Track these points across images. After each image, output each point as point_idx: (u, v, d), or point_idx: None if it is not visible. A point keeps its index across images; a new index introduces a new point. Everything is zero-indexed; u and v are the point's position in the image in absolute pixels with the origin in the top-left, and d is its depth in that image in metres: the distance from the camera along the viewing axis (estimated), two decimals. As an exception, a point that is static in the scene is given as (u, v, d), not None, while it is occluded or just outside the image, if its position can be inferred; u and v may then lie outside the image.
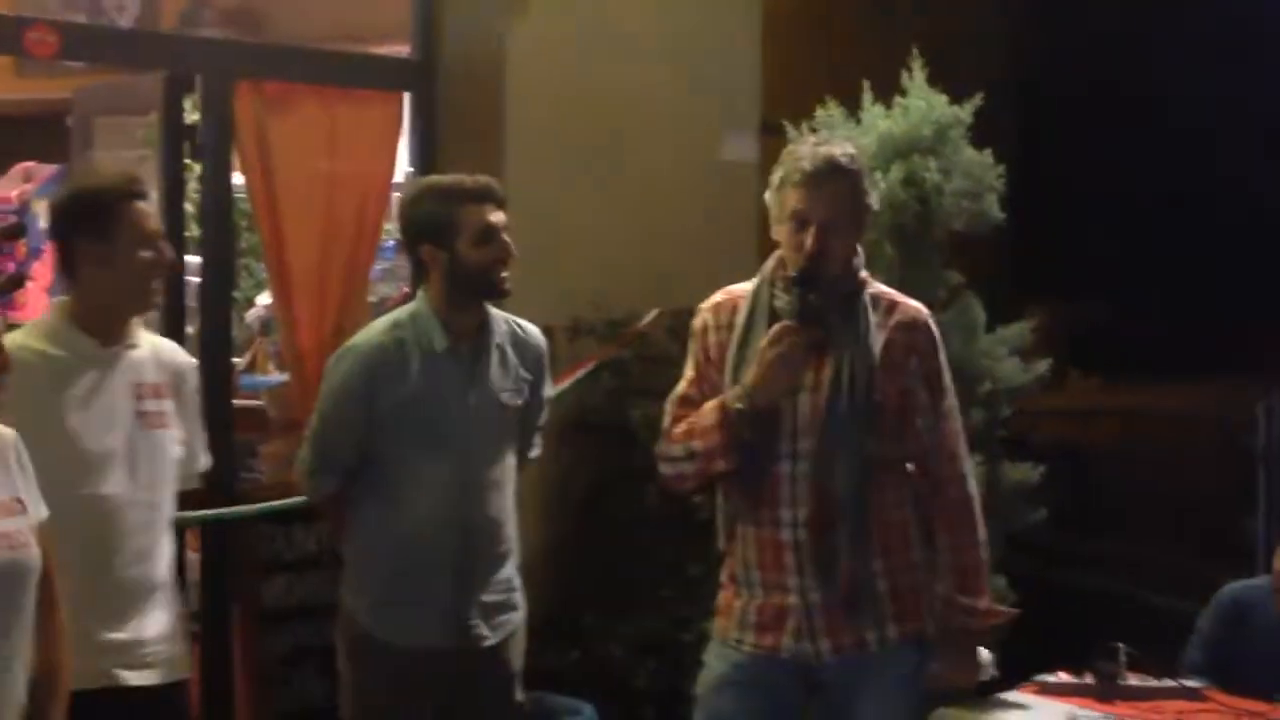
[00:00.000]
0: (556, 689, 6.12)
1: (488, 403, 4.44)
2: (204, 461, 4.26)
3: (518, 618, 4.60)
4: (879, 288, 4.11)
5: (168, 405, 4.04)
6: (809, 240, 3.90)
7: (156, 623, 4.01)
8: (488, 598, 4.47)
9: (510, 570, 4.56)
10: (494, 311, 4.52)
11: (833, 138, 4.15)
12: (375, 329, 4.48)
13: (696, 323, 4.15)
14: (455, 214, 4.34)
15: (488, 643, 4.47)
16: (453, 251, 4.34)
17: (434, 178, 4.61)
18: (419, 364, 4.36)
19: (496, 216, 4.38)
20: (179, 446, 4.09)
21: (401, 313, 4.50)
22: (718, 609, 4.15)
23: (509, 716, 4.68)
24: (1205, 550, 8.22)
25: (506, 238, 4.39)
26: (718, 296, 4.15)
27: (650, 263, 6.67)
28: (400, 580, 4.40)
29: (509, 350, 4.51)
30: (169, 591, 4.08)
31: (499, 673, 4.56)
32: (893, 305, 4.08)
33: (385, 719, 4.48)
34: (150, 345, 4.07)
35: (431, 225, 4.37)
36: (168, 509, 4.08)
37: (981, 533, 4.12)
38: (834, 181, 3.93)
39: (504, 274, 4.39)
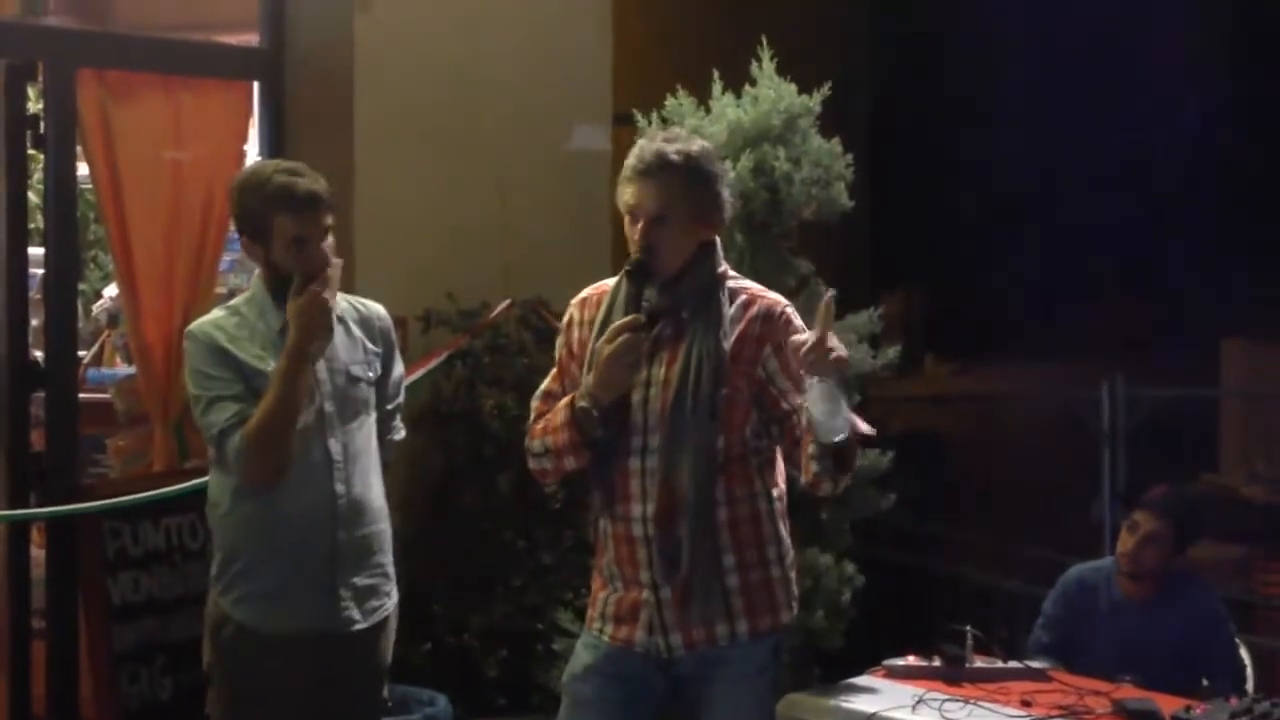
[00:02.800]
0: (409, 680, 6.08)
1: (337, 374, 4.40)
2: None
3: (390, 605, 4.57)
4: (742, 283, 4.10)
5: None
6: (635, 233, 3.94)
7: None
8: (359, 580, 4.44)
9: (385, 557, 4.54)
10: None
11: (683, 134, 4.11)
12: (213, 314, 4.45)
13: (565, 317, 4.17)
14: (271, 218, 4.29)
15: (358, 626, 4.44)
16: (266, 249, 4.34)
17: (264, 169, 4.45)
18: (260, 342, 4.33)
19: (318, 226, 4.31)
20: None
21: (238, 299, 4.48)
22: (590, 598, 4.19)
23: (373, 710, 4.65)
24: (1052, 532, 8.32)
25: (325, 247, 4.33)
26: (587, 291, 4.15)
27: (502, 253, 6.67)
28: (273, 567, 4.35)
29: (352, 324, 4.49)
30: None
31: (368, 662, 4.53)
32: (751, 299, 4.05)
33: (259, 712, 4.41)
34: None
35: (249, 222, 4.35)
36: None
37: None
38: (662, 175, 3.93)
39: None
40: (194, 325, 4.41)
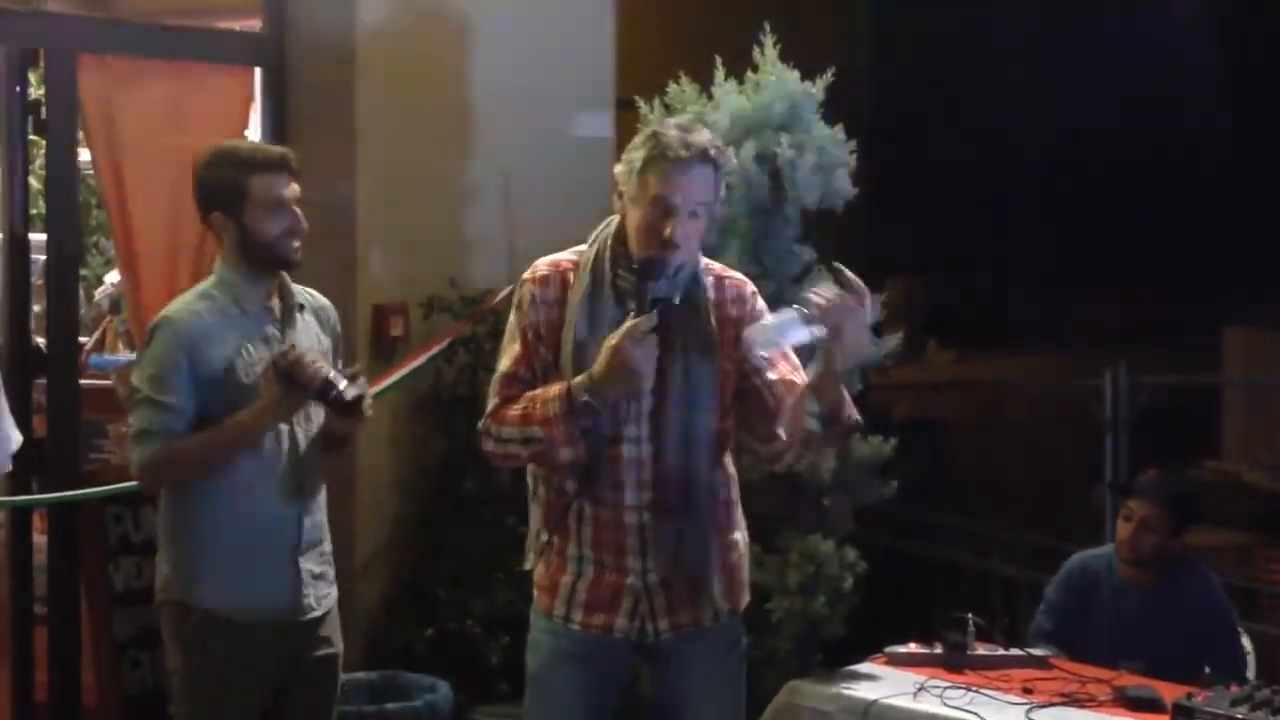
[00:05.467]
0: (411, 666, 6.11)
1: None
2: (12, 442, 4.09)
3: (335, 594, 4.54)
4: (704, 261, 4.03)
5: None
6: (670, 228, 3.80)
7: None
8: (313, 566, 4.42)
9: (328, 545, 4.50)
10: (288, 280, 4.44)
11: (695, 123, 4.01)
12: (187, 299, 4.35)
13: (522, 294, 3.99)
14: (246, 182, 4.25)
15: (314, 613, 4.42)
16: (241, 221, 4.27)
17: (226, 144, 4.44)
18: (234, 329, 4.27)
19: (290, 189, 4.30)
20: None
21: (206, 284, 4.37)
22: (538, 584, 4.10)
23: (333, 697, 4.59)
24: (1054, 519, 8.31)
25: (298, 210, 4.31)
26: (543, 269, 4.00)
27: (503, 239, 6.63)
28: (241, 552, 4.29)
29: (309, 314, 4.45)
30: None
31: (326, 649, 4.49)
32: (720, 280, 4.03)
33: (227, 701, 4.36)
34: None
35: (222, 192, 4.27)
36: None
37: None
38: (705, 169, 3.83)
39: (295, 244, 4.31)
40: (171, 310, 4.31)
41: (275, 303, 4.37)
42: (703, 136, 3.88)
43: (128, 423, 4.29)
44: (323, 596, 4.46)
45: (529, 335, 3.95)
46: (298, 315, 4.40)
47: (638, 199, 3.86)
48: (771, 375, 3.93)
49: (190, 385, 4.22)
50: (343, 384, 4.14)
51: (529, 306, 3.96)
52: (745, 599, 4.16)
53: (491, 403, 3.95)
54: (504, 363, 3.98)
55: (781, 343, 3.79)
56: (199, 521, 4.33)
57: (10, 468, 4.21)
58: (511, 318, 4.02)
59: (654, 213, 3.82)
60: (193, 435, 4.21)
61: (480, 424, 3.96)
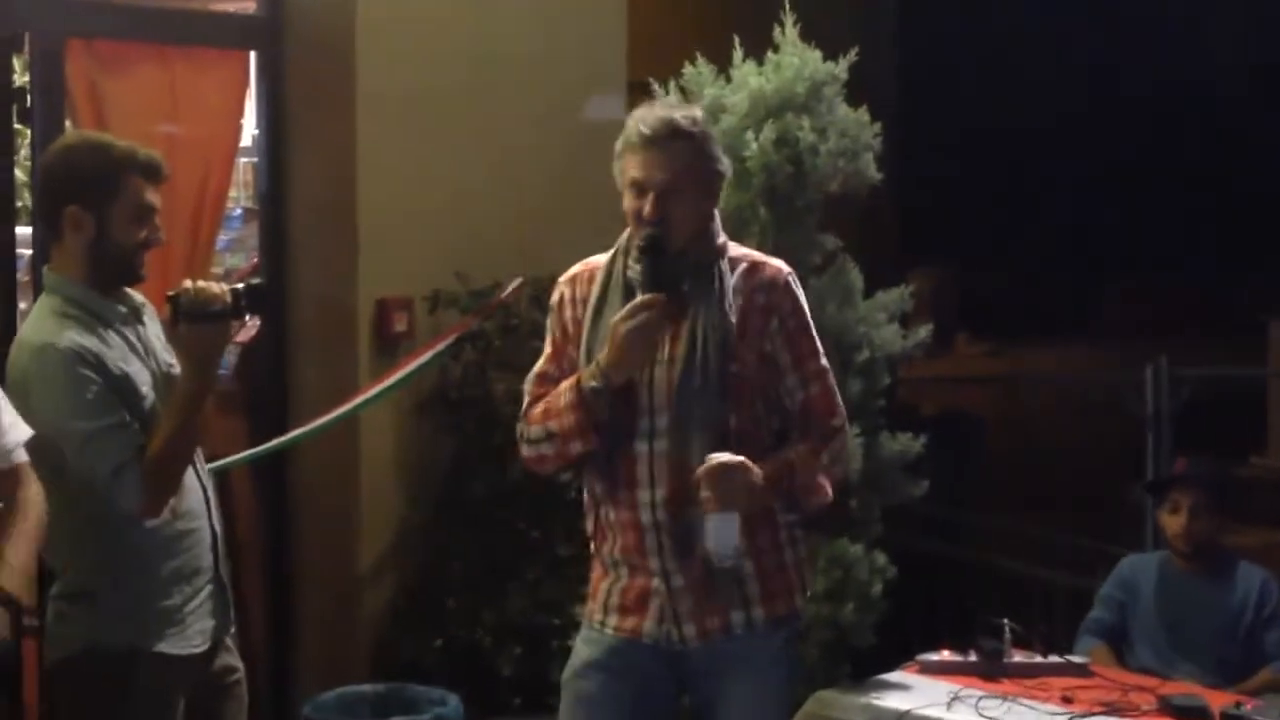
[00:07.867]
0: (419, 678, 6.04)
1: (161, 369, 4.06)
2: (16, 435, 3.85)
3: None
4: (741, 251, 4.05)
5: None
6: (647, 207, 3.84)
7: None
8: (223, 573, 4.18)
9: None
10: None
11: (677, 101, 4.03)
12: (50, 322, 3.93)
13: (555, 296, 4.10)
14: (118, 179, 3.93)
15: (229, 636, 4.21)
16: (103, 220, 3.93)
17: (99, 135, 4.17)
18: (112, 343, 3.95)
19: (156, 198, 4.02)
20: None
21: (54, 303, 3.97)
22: (590, 590, 4.12)
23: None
24: (1091, 518, 8.18)
25: (159, 223, 4.04)
26: (576, 268, 4.09)
27: (512, 230, 6.55)
28: (179, 583, 4.01)
29: (145, 311, 4.13)
30: None
31: (238, 678, 4.27)
32: (753, 267, 4.00)
33: None
34: None
35: (89, 184, 3.93)
36: None
37: (831, 459, 4.00)
38: (672, 145, 3.86)
39: (146, 258, 4.03)
40: (53, 339, 3.87)
41: (122, 309, 4.04)
42: (673, 112, 3.94)
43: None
44: (231, 618, 4.24)
45: (557, 335, 4.06)
46: (147, 322, 4.11)
47: (621, 186, 3.96)
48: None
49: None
50: (240, 285, 3.95)
51: (559, 306, 4.08)
52: (792, 606, 4.04)
53: (524, 404, 4.05)
54: (538, 364, 4.09)
55: (724, 547, 3.76)
56: (124, 563, 3.98)
57: (25, 458, 3.90)
58: (548, 320, 4.12)
59: (633, 194, 3.91)
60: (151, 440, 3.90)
61: (517, 429, 4.05)
